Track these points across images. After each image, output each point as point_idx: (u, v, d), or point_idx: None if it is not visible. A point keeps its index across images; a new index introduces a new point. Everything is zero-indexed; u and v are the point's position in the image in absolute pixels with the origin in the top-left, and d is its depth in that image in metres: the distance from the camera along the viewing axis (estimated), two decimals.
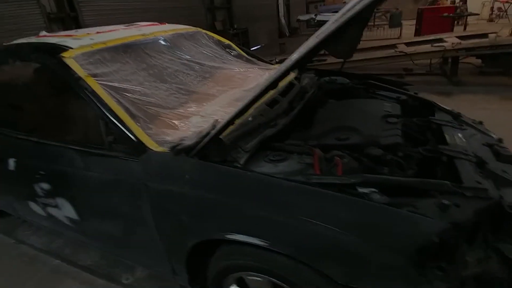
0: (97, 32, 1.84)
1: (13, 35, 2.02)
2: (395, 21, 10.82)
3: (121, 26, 2.08)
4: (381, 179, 1.07)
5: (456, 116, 1.76)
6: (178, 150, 1.19)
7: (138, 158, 1.26)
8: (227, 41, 2.47)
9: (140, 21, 2.33)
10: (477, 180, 1.17)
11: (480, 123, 1.87)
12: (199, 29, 2.41)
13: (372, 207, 0.97)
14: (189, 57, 2.00)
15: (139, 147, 1.26)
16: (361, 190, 1.06)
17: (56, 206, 1.63)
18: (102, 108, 1.34)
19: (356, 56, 5.52)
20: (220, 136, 1.29)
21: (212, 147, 1.24)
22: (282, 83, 1.99)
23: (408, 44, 5.68)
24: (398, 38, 8.30)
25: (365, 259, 0.94)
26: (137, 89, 1.53)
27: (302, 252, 1.01)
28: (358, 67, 5.60)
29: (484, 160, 1.30)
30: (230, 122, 1.15)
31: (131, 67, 1.66)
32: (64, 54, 1.51)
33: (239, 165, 1.17)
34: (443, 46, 4.74)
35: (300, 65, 1.20)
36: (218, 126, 1.15)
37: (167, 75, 1.77)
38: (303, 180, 1.06)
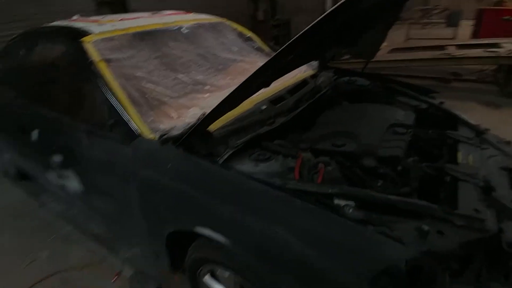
0: (121, 19, 1.93)
1: (61, 17, 2.15)
2: (453, 20, 9.95)
3: (146, 14, 2.15)
4: (360, 192, 1.02)
5: (480, 133, 1.60)
6: (165, 139, 1.23)
7: (130, 143, 1.32)
8: (249, 33, 2.45)
9: (186, 8, 2.39)
10: (476, 208, 1.07)
11: (508, 143, 1.69)
12: (223, 20, 2.41)
13: (340, 223, 0.93)
14: (205, 48, 2.02)
15: (132, 133, 1.32)
16: (337, 202, 1.02)
17: (67, 177, 1.77)
18: (107, 92, 1.42)
19: (397, 56, 5.20)
20: (212, 130, 1.32)
21: (199, 140, 1.26)
22: (293, 81, 1.96)
23: (459, 46, 5.22)
24: (452, 39, 7.65)
25: (325, 277, 0.91)
26: (146, 76, 1.59)
27: (260, 258, 1.00)
28: (398, 68, 5.28)
29: (492, 186, 1.17)
30: (212, 115, 1.14)
31: (145, 55, 1.72)
32: (85, 39, 1.61)
33: (220, 161, 1.18)
34: (497, 52, 4.28)
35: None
36: (202, 118, 1.16)
37: (180, 64, 1.81)
38: (276, 184, 1.04)
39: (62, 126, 1.65)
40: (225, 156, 1.21)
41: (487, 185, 1.17)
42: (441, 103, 1.94)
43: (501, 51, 4.32)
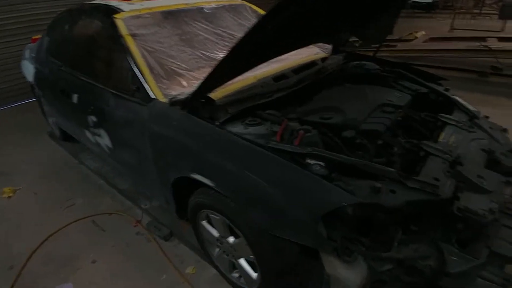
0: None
1: None
2: (506, 12, 9.18)
3: None
4: (328, 154, 1.18)
5: (473, 118, 1.66)
6: (173, 102, 1.46)
7: (147, 104, 1.57)
8: None
9: None
10: (435, 177, 1.19)
11: (504, 130, 1.72)
12: (244, 2, 2.58)
13: (303, 173, 1.10)
14: (223, 27, 2.21)
15: (149, 96, 1.57)
16: (309, 161, 1.20)
17: (100, 135, 2.08)
18: (131, 61, 1.67)
19: (433, 46, 5.04)
20: (216, 98, 1.53)
21: (203, 105, 1.48)
22: (301, 61, 2.09)
23: (501, 39, 4.93)
24: (500, 31, 7.12)
25: (285, 212, 1.10)
26: (165, 51, 1.83)
27: (238, 196, 1.21)
28: (435, 59, 5.10)
29: (460, 161, 1.27)
30: (206, 82, 1.31)
31: (167, 31, 1.95)
32: (116, 16, 1.87)
33: (217, 123, 1.39)
34: None
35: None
36: (198, 85, 1.35)
37: (197, 42, 2.02)
38: (258, 142, 1.23)
39: (96, 90, 1.95)
40: (222, 120, 1.42)
41: (456, 160, 1.27)
42: (446, 89, 1.99)
43: None
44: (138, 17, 1.92)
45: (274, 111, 1.52)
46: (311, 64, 2.12)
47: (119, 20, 1.84)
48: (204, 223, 1.59)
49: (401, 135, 1.60)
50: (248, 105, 1.53)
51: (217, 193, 1.31)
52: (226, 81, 1.47)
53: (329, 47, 2.42)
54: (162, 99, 1.55)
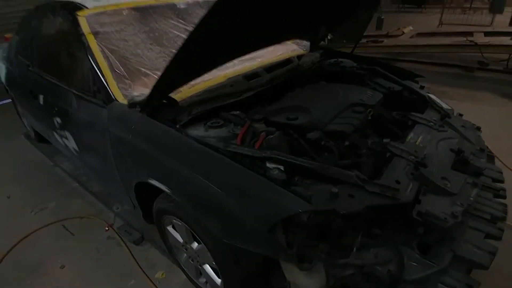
0: None
1: None
2: (497, 6, 9.20)
3: None
4: (286, 157, 1.13)
5: (444, 117, 1.62)
6: (132, 104, 1.40)
7: (107, 106, 1.50)
8: None
9: None
10: (397, 180, 1.15)
11: (478, 128, 1.69)
12: None
13: (257, 179, 1.05)
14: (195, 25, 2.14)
15: (109, 97, 1.50)
16: (269, 165, 1.15)
17: (66, 138, 2.01)
18: (92, 61, 1.60)
19: (418, 41, 5.00)
20: (180, 99, 1.47)
21: (165, 106, 1.42)
22: (275, 59, 2.04)
23: (487, 33, 4.91)
24: (489, 26, 7.13)
25: (240, 222, 1.05)
26: (130, 49, 1.75)
27: (193, 204, 1.16)
28: (419, 54, 5.07)
29: (424, 163, 1.23)
30: (159, 82, 1.21)
31: (133, 29, 1.87)
32: (79, 13, 1.78)
33: (177, 126, 1.33)
34: None
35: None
36: (152, 86, 1.27)
37: (167, 39, 1.95)
38: (214, 146, 1.17)
39: (60, 91, 1.87)
40: (182, 122, 1.36)
41: (420, 162, 1.23)
42: (422, 87, 1.95)
43: None
44: (102, 14, 1.83)
45: (240, 111, 1.46)
46: (286, 61, 2.07)
47: (82, 18, 1.76)
48: (170, 228, 1.53)
49: (372, 135, 1.56)
50: (213, 106, 1.47)
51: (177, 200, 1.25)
52: (187, 81, 1.41)
53: (307, 44, 2.38)
54: (122, 100, 1.48)
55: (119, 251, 1.95)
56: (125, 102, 1.47)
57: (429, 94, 1.85)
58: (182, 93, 1.54)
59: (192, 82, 1.57)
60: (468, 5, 10.61)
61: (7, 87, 2.91)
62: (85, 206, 2.35)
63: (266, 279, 1.24)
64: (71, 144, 1.99)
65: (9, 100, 3.48)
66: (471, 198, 1.18)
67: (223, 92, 1.61)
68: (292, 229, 1.01)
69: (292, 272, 1.10)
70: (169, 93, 1.38)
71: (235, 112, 1.44)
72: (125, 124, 1.41)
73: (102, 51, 1.65)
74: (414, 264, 1.04)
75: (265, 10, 1.26)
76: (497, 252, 1.16)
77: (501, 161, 2.62)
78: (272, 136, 1.27)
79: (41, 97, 2.09)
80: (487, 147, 1.69)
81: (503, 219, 1.30)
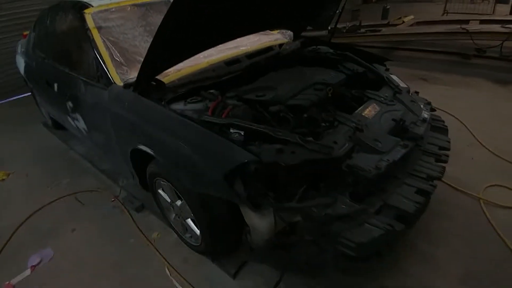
0: None
1: None
2: None
3: None
4: (243, 123, 1.39)
5: (395, 93, 1.84)
6: (126, 85, 1.69)
7: (107, 88, 1.80)
8: None
9: None
10: (335, 141, 1.39)
11: (428, 103, 1.90)
12: None
13: (217, 139, 1.32)
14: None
15: (109, 81, 1.80)
16: (232, 130, 1.41)
17: (77, 120, 2.33)
18: (95, 51, 1.89)
19: (414, 30, 5.11)
20: (167, 81, 1.74)
21: (153, 87, 1.70)
22: (257, 47, 2.29)
23: (483, 21, 4.97)
24: (490, 14, 7.09)
25: (203, 172, 1.32)
26: (129, 41, 2.04)
27: (169, 161, 1.44)
28: (419, 42, 5.17)
29: (361, 128, 1.47)
30: (143, 66, 1.50)
31: (132, 23, 2.16)
32: (86, 10, 2.08)
33: (162, 102, 1.60)
34: (510, 28, 4.07)
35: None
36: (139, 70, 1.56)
37: None
38: (188, 116, 1.45)
39: (71, 79, 2.18)
40: (168, 99, 1.64)
41: (358, 128, 1.47)
42: (387, 69, 2.16)
43: None
44: (105, 11, 2.12)
45: (216, 91, 1.72)
46: (267, 49, 2.31)
47: (88, 15, 2.06)
48: (160, 191, 1.82)
49: (332, 109, 1.79)
50: (193, 86, 1.74)
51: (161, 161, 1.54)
52: (169, 66, 1.67)
53: (291, 33, 2.61)
54: (119, 83, 1.78)
55: (122, 217, 2.26)
56: (121, 84, 1.76)
57: (391, 75, 2.06)
58: (169, 76, 1.82)
59: (178, 67, 1.85)
60: None
61: (26, 79, 3.27)
62: (96, 182, 2.68)
63: (235, 225, 1.50)
64: (81, 125, 2.30)
65: (29, 93, 3.87)
66: (398, 156, 1.40)
67: (206, 75, 1.88)
68: (245, 178, 1.26)
69: (249, 216, 1.36)
70: (155, 75, 1.65)
71: (211, 91, 1.70)
72: (121, 102, 1.71)
73: (104, 43, 1.94)
74: (344, 206, 1.28)
75: (233, 3, 1.51)
76: (425, 203, 1.40)
77: (476, 139, 2.81)
78: (236, 109, 1.53)
79: (55, 85, 2.41)
80: (442, 121, 1.91)
81: (439, 178, 1.53)
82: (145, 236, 2.06)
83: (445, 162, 1.64)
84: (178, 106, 1.60)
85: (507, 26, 4.20)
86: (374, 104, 1.72)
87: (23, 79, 3.48)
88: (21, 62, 3.24)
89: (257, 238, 1.42)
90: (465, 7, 8.69)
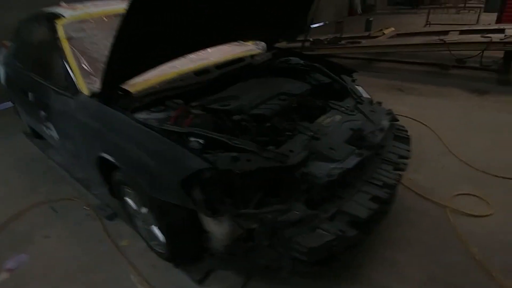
0: (92, 5, 2.42)
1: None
2: (492, 5, 9.38)
3: (115, 2, 2.61)
4: (202, 132, 1.43)
5: (357, 103, 1.90)
6: (92, 94, 1.73)
7: (74, 97, 1.83)
8: None
9: None
10: (291, 149, 1.43)
11: (389, 113, 1.96)
12: None
13: (174, 147, 1.35)
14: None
15: (76, 90, 1.83)
16: (191, 138, 1.45)
17: (50, 128, 2.35)
18: (64, 61, 1.93)
19: (392, 42, 5.25)
20: (133, 91, 1.78)
21: (120, 97, 1.74)
22: (229, 57, 2.34)
23: (463, 32, 5.12)
24: (474, 24, 7.31)
25: (160, 177, 1.35)
26: (98, 50, 2.08)
27: (130, 169, 1.47)
28: (398, 54, 5.30)
29: (317, 137, 1.52)
30: (105, 73, 1.53)
31: (104, 34, 2.20)
32: (58, 21, 2.13)
33: (126, 111, 1.64)
34: (489, 38, 4.21)
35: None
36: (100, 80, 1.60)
37: None
38: (150, 125, 1.49)
39: (43, 88, 2.21)
40: (131, 108, 1.67)
41: (314, 137, 1.52)
42: (353, 80, 2.23)
43: (494, 36, 4.24)
44: (77, 22, 2.17)
45: (180, 100, 1.76)
46: (238, 60, 2.37)
47: (59, 26, 2.10)
48: (127, 198, 1.84)
49: (296, 118, 1.84)
50: (159, 95, 1.78)
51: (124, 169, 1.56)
52: (133, 75, 1.71)
53: (264, 44, 2.68)
54: (86, 92, 1.81)
55: (94, 225, 2.27)
56: (87, 93, 1.80)
57: (357, 86, 2.12)
58: (137, 86, 1.86)
59: (146, 77, 1.89)
60: (462, 5, 10.79)
61: (6, 88, 3.29)
62: (71, 190, 2.68)
63: (195, 231, 1.52)
64: (54, 133, 2.32)
65: (11, 104, 3.87)
66: (352, 164, 1.45)
67: (174, 85, 1.92)
68: (203, 185, 1.29)
69: (207, 222, 1.40)
70: (119, 85, 1.69)
71: (176, 100, 1.75)
72: (86, 111, 1.74)
73: (74, 53, 1.98)
74: (297, 212, 1.32)
75: (192, 15, 1.56)
76: (381, 209, 1.44)
77: (447, 148, 2.87)
78: (199, 118, 1.57)
79: (30, 94, 2.44)
80: (406, 131, 1.97)
81: (394, 186, 1.57)
82: (114, 243, 2.07)
83: (403, 170, 1.70)
84: (142, 115, 1.64)
85: (487, 35, 4.33)
86: (336, 114, 1.78)
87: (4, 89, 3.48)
88: (2, 72, 3.26)
89: (216, 244, 1.45)
90: (450, 17, 8.95)
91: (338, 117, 1.74)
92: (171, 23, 1.49)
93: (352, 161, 1.46)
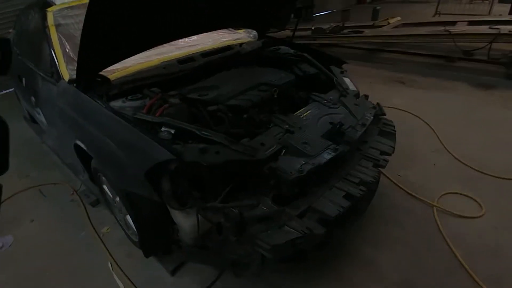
0: None
1: None
2: None
3: None
4: (173, 122, 1.40)
5: (340, 96, 1.84)
6: (70, 81, 1.72)
7: (56, 84, 1.83)
8: None
9: None
10: (262, 142, 1.40)
11: (374, 107, 1.89)
12: None
13: (142, 137, 1.33)
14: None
15: (58, 77, 1.83)
16: (163, 128, 1.43)
17: (39, 113, 2.37)
18: (50, 48, 1.93)
19: (396, 32, 5.07)
20: (113, 78, 1.76)
21: (98, 84, 1.72)
22: (216, 46, 2.29)
23: (472, 22, 4.90)
24: (486, 15, 7.00)
25: (127, 168, 1.34)
26: None
27: (100, 157, 1.46)
28: (400, 44, 5.13)
29: (291, 130, 1.48)
30: (79, 60, 1.51)
31: None
32: (49, 9, 2.12)
33: (101, 99, 1.62)
34: (498, 29, 4.02)
35: None
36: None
37: None
38: (121, 113, 1.47)
39: (33, 74, 2.22)
40: (108, 96, 1.66)
41: (289, 130, 1.48)
42: (342, 72, 2.16)
43: (502, 28, 4.05)
44: (66, 9, 2.16)
45: (157, 89, 1.73)
46: (226, 48, 2.31)
47: (49, 13, 2.10)
48: (104, 186, 1.85)
49: (277, 110, 1.80)
50: (137, 84, 1.76)
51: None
52: (110, 63, 1.68)
53: (255, 33, 2.61)
54: (67, 79, 1.80)
55: (78, 210, 2.31)
56: (68, 79, 1.79)
57: (344, 78, 2.05)
58: (117, 73, 1.84)
59: (127, 64, 1.87)
60: None
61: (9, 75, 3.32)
62: (60, 175, 2.72)
63: (164, 223, 1.52)
64: (42, 118, 2.34)
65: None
66: (325, 159, 1.40)
67: (155, 73, 1.89)
68: (169, 177, 1.27)
69: (174, 215, 1.39)
70: (96, 72, 1.67)
71: (153, 89, 1.72)
72: (65, 97, 1.74)
73: (60, 40, 1.97)
74: (264, 208, 1.29)
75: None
76: (349, 206, 1.39)
77: (442, 144, 2.78)
78: (173, 108, 1.54)
79: (24, 80, 2.45)
80: (393, 127, 1.91)
81: (372, 183, 1.52)
82: (95, 230, 2.10)
83: (383, 167, 1.65)
84: (118, 103, 1.62)
85: (495, 27, 4.13)
86: (316, 107, 1.72)
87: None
88: None
89: (184, 236, 1.44)
90: (462, 7, 8.57)
91: (317, 110, 1.69)
92: (144, 8, 1.45)
93: (325, 157, 1.42)
